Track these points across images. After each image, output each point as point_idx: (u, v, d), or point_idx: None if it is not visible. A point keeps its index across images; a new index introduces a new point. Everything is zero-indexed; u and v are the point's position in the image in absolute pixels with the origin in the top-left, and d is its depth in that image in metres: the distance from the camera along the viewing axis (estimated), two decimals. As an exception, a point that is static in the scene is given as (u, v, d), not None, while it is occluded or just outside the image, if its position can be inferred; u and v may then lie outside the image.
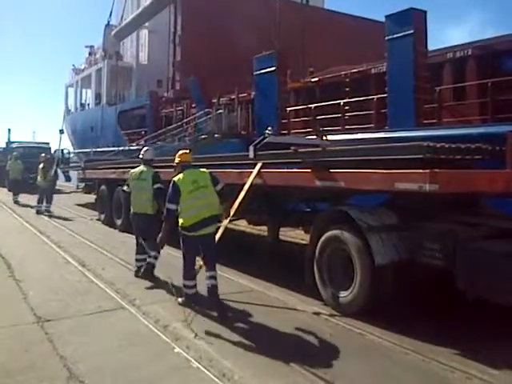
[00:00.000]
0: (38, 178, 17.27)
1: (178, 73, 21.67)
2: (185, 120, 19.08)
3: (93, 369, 4.61)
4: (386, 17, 11.72)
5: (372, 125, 12.56)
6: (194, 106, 19.41)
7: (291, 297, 6.68)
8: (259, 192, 8.00)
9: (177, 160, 6.57)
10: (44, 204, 16.55)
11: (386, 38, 11.71)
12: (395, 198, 6.37)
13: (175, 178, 6.21)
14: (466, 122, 11.33)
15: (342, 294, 6.00)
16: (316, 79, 15.35)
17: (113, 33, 26.20)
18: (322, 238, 6.27)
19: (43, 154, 19.33)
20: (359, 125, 13.22)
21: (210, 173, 6.42)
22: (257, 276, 7.56)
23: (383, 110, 12.03)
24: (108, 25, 26.47)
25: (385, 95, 11.89)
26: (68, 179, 24.19)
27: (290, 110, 15.40)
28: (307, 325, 5.69)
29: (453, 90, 11.49)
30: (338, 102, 13.54)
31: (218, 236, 6.48)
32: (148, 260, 7.78)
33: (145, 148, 8.97)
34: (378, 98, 12.35)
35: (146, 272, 7.71)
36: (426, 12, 11.34)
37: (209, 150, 14.08)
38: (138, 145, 20.65)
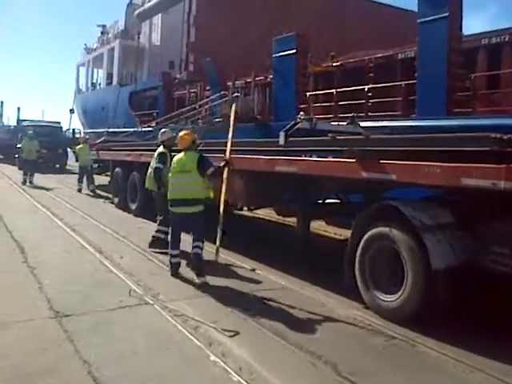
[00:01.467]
0: (80, 157, 17.38)
1: (191, 54, 20.82)
2: (199, 103, 18.36)
3: (119, 376, 3.99)
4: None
5: (399, 112, 11.89)
6: (208, 88, 18.65)
7: (327, 297, 6.01)
8: (290, 181, 7.34)
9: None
10: (84, 183, 16.84)
11: (418, 20, 10.89)
12: (447, 194, 5.71)
13: (177, 156, 6.95)
14: (501, 111, 10.68)
15: (389, 298, 5.34)
16: (338, 64, 14.58)
17: (136, 13, 25.15)
18: (366, 236, 5.60)
19: (81, 136, 19.21)
20: (384, 112, 12.53)
21: (201, 158, 6.72)
22: (287, 271, 6.88)
23: (411, 97, 11.33)
24: (130, 3, 25.50)
25: (413, 81, 11.09)
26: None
27: (310, 95, 14.67)
28: (351, 333, 5.06)
29: (487, 78, 10.77)
30: (363, 87, 12.83)
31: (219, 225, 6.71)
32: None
33: (162, 130, 8.54)
34: (405, 85, 11.64)
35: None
36: (461, -6, 10.49)
37: (222, 134, 13.42)
38: (149, 126, 20.01)
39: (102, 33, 28.64)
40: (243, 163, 7.44)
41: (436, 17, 10.58)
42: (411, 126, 10.07)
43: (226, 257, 7.63)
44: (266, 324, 5.12)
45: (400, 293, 5.21)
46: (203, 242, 6.70)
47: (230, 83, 16.98)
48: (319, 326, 5.18)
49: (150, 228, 8.89)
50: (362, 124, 10.06)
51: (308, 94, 14.54)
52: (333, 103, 13.56)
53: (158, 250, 7.93)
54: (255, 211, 11.45)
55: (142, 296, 5.84)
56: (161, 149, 8.40)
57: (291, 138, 7.16)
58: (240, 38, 18.63)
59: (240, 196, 7.61)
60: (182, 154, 6.87)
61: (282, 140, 7.26)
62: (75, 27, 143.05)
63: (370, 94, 12.96)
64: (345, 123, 8.10)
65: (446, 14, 10.36)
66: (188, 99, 19.84)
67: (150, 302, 5.67)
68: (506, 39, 10.71)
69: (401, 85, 11.85)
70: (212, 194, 7.27)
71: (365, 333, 5.07)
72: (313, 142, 6.81)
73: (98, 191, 16.32)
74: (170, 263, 6.80)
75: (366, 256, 5.62)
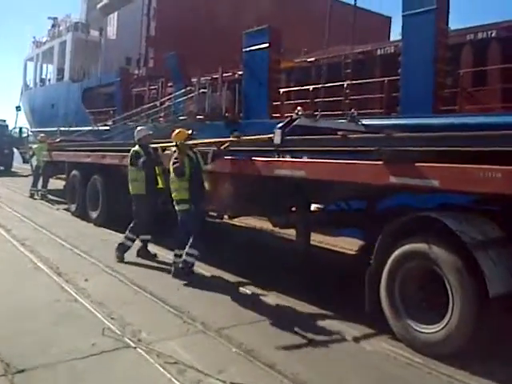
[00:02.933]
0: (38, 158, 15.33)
1: (151, 49, 19.48)
2: (160, 100, 17.03)
3: None
4: (405, -10, 10.02)
5: (379, 110, 11.09)
6: (170, 84, 17.36)
7: (346, 326, 4.98)
8: (289, 187, 6.28)
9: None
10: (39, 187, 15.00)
11: (403, 13, 10.07)
12: (483, 202, 4.81)
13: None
14: (487, 109, 10.03)
15: (428, 328, 4.37)
16: (312, 59, 13.65)
17: (98, 6, 23.33)
18: (396, 253, 4.60)
19: (42, 135, 17.21)
20: (362, 109, 11.71)
21: None
22: (292, 295, 5.79)
23: (393, 95, 10.56)
24: (91, -5, 23.72)
25: (395, 78, 10.27)
26: (26, 161, 21.62)
27: (284, 92, 13.67)
28: (391, 374, 4.07)
29: (473, 75, 10.09)
30: (341, 83, 11.95)
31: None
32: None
33: (138, 128, 7.43)
34: (388, 81, 10.83)
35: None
36: (449, -14, 9.72)
37: None
38: (105, 125, 18.53)
39: (52, 25, 26.54)
40: (233, 165, 6.34)
41: (423, 9, 9.79)
42: (397, 125, 9.21)
43: (220, 275, 6.56)
44: (284, 370, 4.03)
45: (444, 323, 4.24)
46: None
47: (194, 79, 15.76)
48: (348, 367, 4.14)
49: (117, 240, 7.63)
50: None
51: (282, 90, 13.56)
52: (308, 100, 12.67)
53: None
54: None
55: (119, 336, 4.60)
56: (136, 147, 7.47)
57: (289, 137, 6.12)
58: (205, 32, 17.43)
59: (227, 204, 6.50)
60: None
61: (277, 138, 6.17)
62: (23, 19, 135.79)
63: (348, 91, 12.15)
64: (343, 121, 7.11)
65: (434, 7, 9.59)
66: (148, 96, 18.47)
67: (131, 343, 4.45)
68: (493, 35, 10.08)
69: (383, 81, 11.04)
70: None
71: (407, 374, 4.07)
72: (318, 141, 5.77)
73: (50, 196, 14.67)
74: (174, 263, 6.54)
75: (396, 277, 4.62)
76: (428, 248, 4.33)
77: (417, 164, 4.30)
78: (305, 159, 5.40)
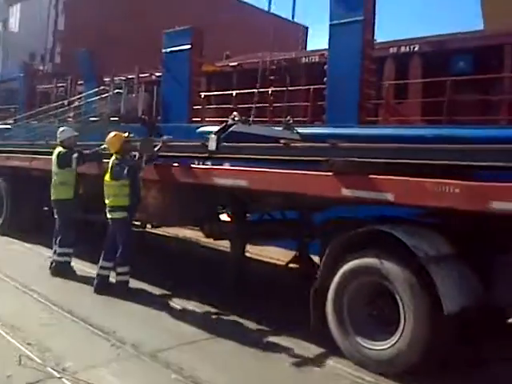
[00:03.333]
0: None
1: (59, 44, 18.29)
2: (69, 99, 15.95)
3: None
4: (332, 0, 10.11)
5: (302, 118, 11.11)
6: (80, 83, 16.34)
7: (291, 344, 4.70)
8: (225, 195, 5.95)
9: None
10: None
11: (330, 23, 10.13)
12: (428, 214, 4.78)
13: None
14: (408, 122, 10.38)
15: (378, 345, 4.22)
16: (235, 64, 13.44)
17: None
18: (344, 268, 4.42)
19: None
20: (283, 117, 11.67)
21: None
22: (228, 309, 5.44)
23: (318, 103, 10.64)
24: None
25: (321, 86, 10.32)
26: None
27: (205, 96, 13.32)
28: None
29: (395, 87, 10.41)
30: (266, 90, 11.84)
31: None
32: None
33: (61, 128, 6.72)
34: (313, 90, 10.89)
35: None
36: (375, -1, 9.93)
37: (100, 136, 11.63)
38: (5, 124, 17.03)
39: None
40: (165, 172, 5.89)
41: (350, 20, 9.92)
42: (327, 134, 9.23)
43: (149, 289, 6.08)
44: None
45: (395, 340, 4.11)
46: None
47: (107, 79, 14.94)
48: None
49: (24, 251, 6.86)
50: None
51: (203, 94, 13.20)
52: (230, 106, 12.41)
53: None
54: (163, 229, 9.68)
55: (40, 365, 3.99)
56: (61, 149, 6.79)
57: (226, 143, 5.80)
58: (122, 31, 16.61)
59: (155, 213, 6.02)
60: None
61: (212, 144, 5.82)
62: None
63: (272, 98, 12.08)
64: (280, 128, 6.90)
65: (361, 18, 9.74)
66: (55, 94, 17.26)
67: (55, 373, 3.87)
68: (416, 49, 10.46)
69: (308, 89, 11.07)
70: None
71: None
72: (259, 149, 5.47)
73: None
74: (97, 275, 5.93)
75: (344, 293, 4.44)
76: (379, 263, 4.19)
77: (370, 176, 4.16)
78: (248, 168, 5.09)
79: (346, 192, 4.29)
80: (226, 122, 6.26)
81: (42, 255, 7.35)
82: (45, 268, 6.70)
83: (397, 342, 4.10)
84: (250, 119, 6.36)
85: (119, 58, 15.00)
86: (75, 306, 5.37)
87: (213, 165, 5.63)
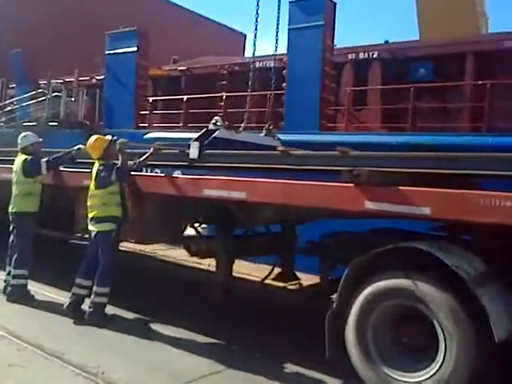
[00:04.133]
0: None
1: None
2: (2, 103, 14.49)
3: None
4: (292, 3, 9.69)
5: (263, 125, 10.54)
6: (12, 86, 14.88)
7: (303, 375, 4.08)
8: (213, 209, 5.21)
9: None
10: None
11: (289, 27, 9.70)
12: (449, 229, 4.33)
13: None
14: (366, 128, 10.14)
15: (411, 377, 3.69)
16: (184, 68, 12.66)
17: None
18: (368, 290, 3.87)
19: None
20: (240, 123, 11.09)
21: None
22: (221, 339, 4.70)
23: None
24: None
25: (279, 92, 9.84)
26: None
27: (153, 100, 12.44)
28: None
29: (355, 94, 10.11)
30: (220, 95, 11.18)
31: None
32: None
33: (22, 134, 5.72)
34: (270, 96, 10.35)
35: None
36: (336, 4, 9.64)
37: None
38: None
39: None
40: (147, 183, 5.07)
41: (310, 24, 9.54)
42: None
43: (128, 316, 5.20)
44: None
45: (432, 370, 3.59)
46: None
47: (43, 82, 13.69)
48: None
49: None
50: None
51: (151, 99, 12.31)
52: (178, 111, 11.62)
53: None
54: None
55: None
56: (25, 156, 5.76)
57: (208, 151, 5.12)
58: (59, 33, 15.31)
59: (135, 230, 5.16)
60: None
61: (194, 152, 5.13)
62: None
63: (223, 104, 11.45)
64: (261, 134, 6.28)
65: (321, 23, 9.39)
66: (-16, 98, 15.65)
67: None
68: (375, 56, 10.24)
69: (270, 95, 10.52)
70: None
71: None
72: (252, 157, 4.82)
73: None
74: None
75: (369, 318, 3.88)
76: (411, 284, 3.67)
77: (402, 188, 3.63)
78: (246, 178, 4.40)
79: (370, 205, 3.73)
80: (207, 127, 5.57)
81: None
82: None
83: (436, 372, 3.58)
84: (242, 125, 5.63)
85: (59, 60, 13.77)
86: (45, 339, 4.44)
87: (193, 175, 4.91)
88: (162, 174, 4.99)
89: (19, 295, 5.46)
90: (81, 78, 13.25)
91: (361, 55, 10.25)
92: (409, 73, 9.64)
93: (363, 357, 3.89)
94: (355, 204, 3.80)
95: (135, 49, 11.72)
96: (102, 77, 12.84)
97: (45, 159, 5.57)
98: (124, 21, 14.33)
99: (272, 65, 11.29)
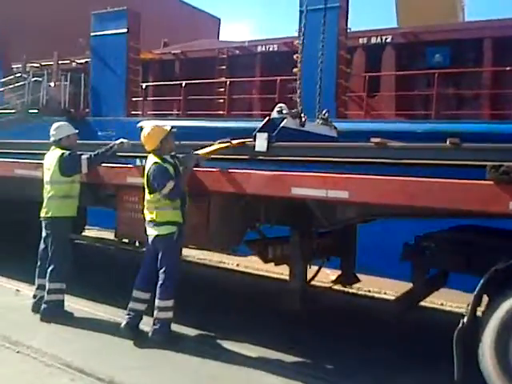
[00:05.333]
0: None
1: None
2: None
3: None
4: (303, -13, 8.95)
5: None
6: (-19, 71, 13.40)
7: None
8: (291, 209, 4.51)
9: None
10: None
11: (301, 8, 8.99)
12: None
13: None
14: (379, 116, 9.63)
15: None
16: (178, 51, 11.68)
17: None
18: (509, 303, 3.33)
19: None
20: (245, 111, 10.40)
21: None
22: (307, 355, 4.04)
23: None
24: None
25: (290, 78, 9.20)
26: None
27: (147, 86, 11.41)
28: None
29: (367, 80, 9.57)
30: (225, 80, 10.36)
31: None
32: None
33: (56, 124, 4.76)
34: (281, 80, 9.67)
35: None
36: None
37: (16, 131, 9.46)
38: None
39: None
40: (209, 180, 4.30)
41: (325, 6, 8.84)
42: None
43: (202, 335, 4.46)
44: None
45: None
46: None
47: (17, 66, 12.41)
48: None
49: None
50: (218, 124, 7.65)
51: (144, 85, 11.27)
52: (174, 98, 10.71)
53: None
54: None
55: None
56: (61, 150, 4.86)
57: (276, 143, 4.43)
58: (36, 13, 13.87)
59: (197, 234, 4.37)
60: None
61: (262, 145, 4.43)
62: None
63: (222, 89, 10.66)
64: (315, 123, 5.57)
65: (337, 5, 8.74)
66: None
67: None
68: (388, 40, 9.68)
69: (275, 80, 9.80)
70: None
71: None
72: (333, 149, 4.16)
73: None
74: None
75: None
76: None
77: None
78: (347, 175, 3.73)
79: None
80: (269, 116, 4.85)
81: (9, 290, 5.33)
82: (24, 310, 4.71)
83: None
84: (303, 114, 4.91)
85: (37, 43, 12.48)
86: (105, 368, 3.64)
87: (256, 170, 4.22)
88: (236, 170, 4.24)
89: (55, 313, 4.59)
90: (61, 62, 12.01)
91: (373, 40, 9.67)
92: (424, 58, 9.18)
93: (506, 379, 3.35)
94: (497, 205, 3.22)
95: (125, 30, 10.63)
96: (85, 60, 11.69)
97: (86, 156, 4.68)
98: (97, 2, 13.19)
99: (277, 49, 10.67)
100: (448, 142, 3.70)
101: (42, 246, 4.78)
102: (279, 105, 4.80)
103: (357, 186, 3.71)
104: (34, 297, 4.83)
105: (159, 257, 4.18)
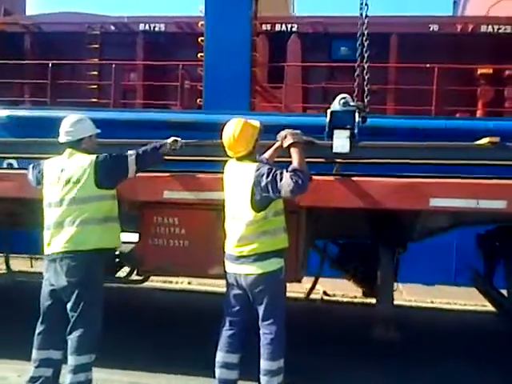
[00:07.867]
0: None
1: None
2: None
3: None
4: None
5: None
6: None
7: None
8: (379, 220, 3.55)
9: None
10: None
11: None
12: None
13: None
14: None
15: None
16: (29, 22, 9.09)
17: None
18: None
19: None
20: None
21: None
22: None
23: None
24: None
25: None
26: None
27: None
28: None
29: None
30: (111, 62, 8.41)
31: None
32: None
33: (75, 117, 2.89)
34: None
35: None
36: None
37: None
38: None
39: None
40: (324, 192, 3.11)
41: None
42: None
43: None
44: None
45: None
46: None
47: None
48: None
49: None
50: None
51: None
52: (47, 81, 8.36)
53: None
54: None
55: None
56: (85, 154, 3.09)
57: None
58: None
59: (290, 263, 3.04)
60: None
61: (342, 145, 3.51)
62: None
63: (94, 73, 8.82)
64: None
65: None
66: None
67: None
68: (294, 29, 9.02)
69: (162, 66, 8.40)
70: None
71: None
72: (429, 150, 3.41)
73: None
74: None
75: None
76: None
77: None
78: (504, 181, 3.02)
79: None
80: (328, 107, 3.91)
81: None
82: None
83: None
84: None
85: None
86: None
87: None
88: (339, 177, 3.17)
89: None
90: None
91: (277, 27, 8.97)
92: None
93: None
94: None
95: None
96: None
97: (133, 156, 2.95)
98: None
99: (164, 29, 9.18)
100: None
101: (47, 299, 2.79)
102: (342, 95, 3.81)
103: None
104: (33, 382, 2.85)
105: (262, 303, 2.82)
